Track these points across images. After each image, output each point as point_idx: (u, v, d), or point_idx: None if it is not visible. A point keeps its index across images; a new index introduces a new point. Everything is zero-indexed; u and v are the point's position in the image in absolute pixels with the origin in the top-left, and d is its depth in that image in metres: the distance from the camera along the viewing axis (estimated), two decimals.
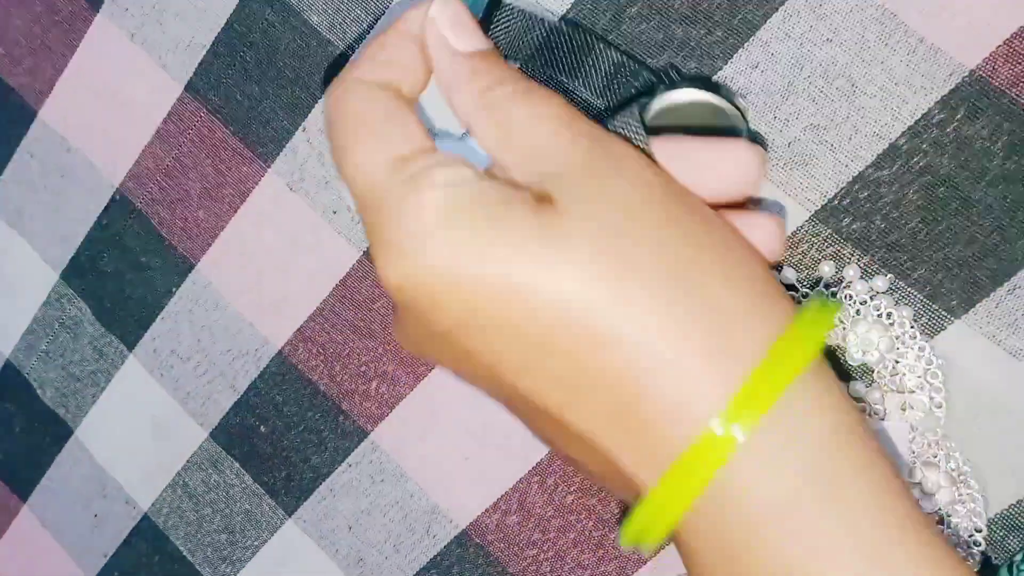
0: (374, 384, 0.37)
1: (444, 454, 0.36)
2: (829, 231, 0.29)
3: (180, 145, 0.39)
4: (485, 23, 0.27)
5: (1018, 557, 0.28)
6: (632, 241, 0.21)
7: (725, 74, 0.29)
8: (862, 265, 0.28)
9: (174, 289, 0.40)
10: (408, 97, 0.25)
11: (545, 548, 0.35)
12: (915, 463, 0.28)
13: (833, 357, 0.29)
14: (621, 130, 0.24)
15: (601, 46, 0.27)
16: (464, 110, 0.24)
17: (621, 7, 0.30)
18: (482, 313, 0.22)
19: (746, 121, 0.28)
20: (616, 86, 0.27)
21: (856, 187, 0.28)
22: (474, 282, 0.21)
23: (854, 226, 0.28)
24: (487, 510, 0.36)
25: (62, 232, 0.42)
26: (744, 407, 0.20)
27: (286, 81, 0.36)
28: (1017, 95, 0.26)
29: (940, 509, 0.28)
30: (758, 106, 0.29)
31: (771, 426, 0.20)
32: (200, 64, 0.37)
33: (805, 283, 0.29)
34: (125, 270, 0.41)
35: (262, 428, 0.40)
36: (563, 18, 0.31)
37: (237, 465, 0.40)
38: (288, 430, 0.39)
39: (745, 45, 0.28)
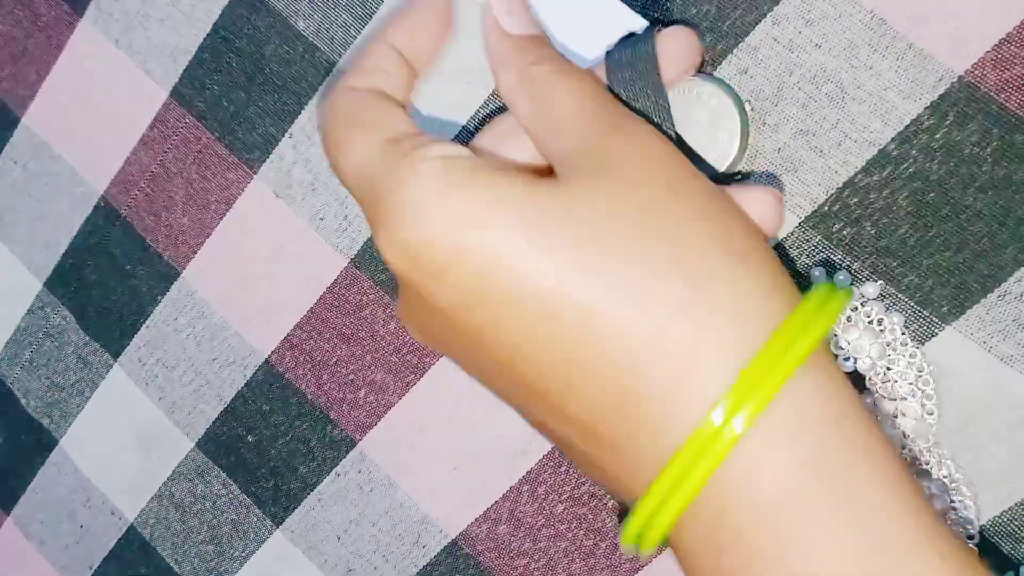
0: (362, 392, 0.37)
1: (434, 463, 0.36)
2: (819, 237, 0.29)
3: (165, 151, 0.38)
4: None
5: None
6: (631, 224, 0.21)
7: None
8: (852, 271, 0.28)
9: (160, 297, 0.40)
10: (394, 98, 0.26)
11: (536, 557, 0.35)
12: None
13: None
14: (651, 114, 0.25)
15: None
16: (507, 86, 0.25)
17: None
18: (484, 283, 0.22)
19: (746, 114, 0.28)
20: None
21: (846, 193, 0.28)
22: (476, 250, 0.21)
23: (844, 232, 0.28)
24: (477, 519, 0.36)
25: (46, 239, 0.42)
26: (745, 398, 0.20)
27: (272, 87, 0.36)
28: (1006, 101, 0.26)
29: None
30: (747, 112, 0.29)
31: (774, 418, 0.20)
32: (185, 70, 0.37)
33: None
34: (110, 278, 0.41)
35: (249, 437, 0.39)
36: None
37: (224, 475, 0.40)
38: (275, 439, 0.39)
39: (734, 51, 0.28)
